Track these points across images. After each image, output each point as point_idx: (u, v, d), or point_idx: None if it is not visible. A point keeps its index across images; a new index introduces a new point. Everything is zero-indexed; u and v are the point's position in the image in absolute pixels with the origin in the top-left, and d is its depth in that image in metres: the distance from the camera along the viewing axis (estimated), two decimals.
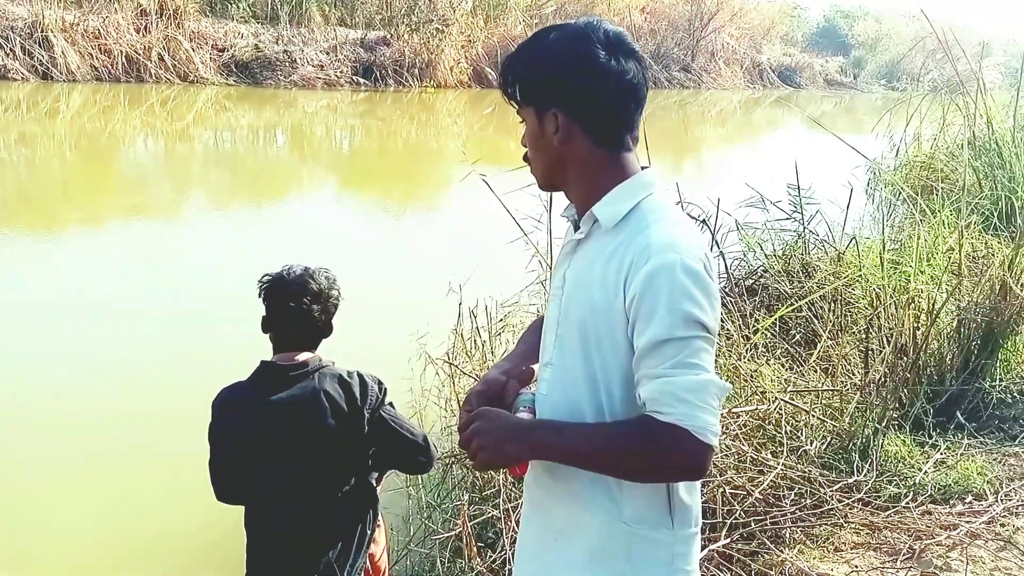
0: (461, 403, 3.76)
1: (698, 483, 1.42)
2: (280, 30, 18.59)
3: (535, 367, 1.53)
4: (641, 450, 1.25)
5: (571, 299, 1.38)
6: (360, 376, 2.10)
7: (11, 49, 14.68)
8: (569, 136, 1.35)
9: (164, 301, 5.80)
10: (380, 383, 2.14)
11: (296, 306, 2.06)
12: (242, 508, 2.15)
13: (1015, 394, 4.10)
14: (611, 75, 1.33)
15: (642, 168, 1.41)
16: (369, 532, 2.21)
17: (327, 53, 18.91)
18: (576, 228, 1.42)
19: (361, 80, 18.87)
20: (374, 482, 2.28)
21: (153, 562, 3.29)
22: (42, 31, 14.93)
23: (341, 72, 18.74)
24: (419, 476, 3.63)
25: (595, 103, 1.34)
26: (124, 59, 15.92)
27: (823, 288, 4.57)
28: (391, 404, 2.17)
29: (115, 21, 15.85)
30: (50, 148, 11.31)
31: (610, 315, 1.30)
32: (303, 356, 2.08)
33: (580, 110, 1.34)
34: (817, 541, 2.92)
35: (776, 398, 3.49)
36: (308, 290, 2.07)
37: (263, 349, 2.17)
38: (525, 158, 1.45)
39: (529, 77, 1.37)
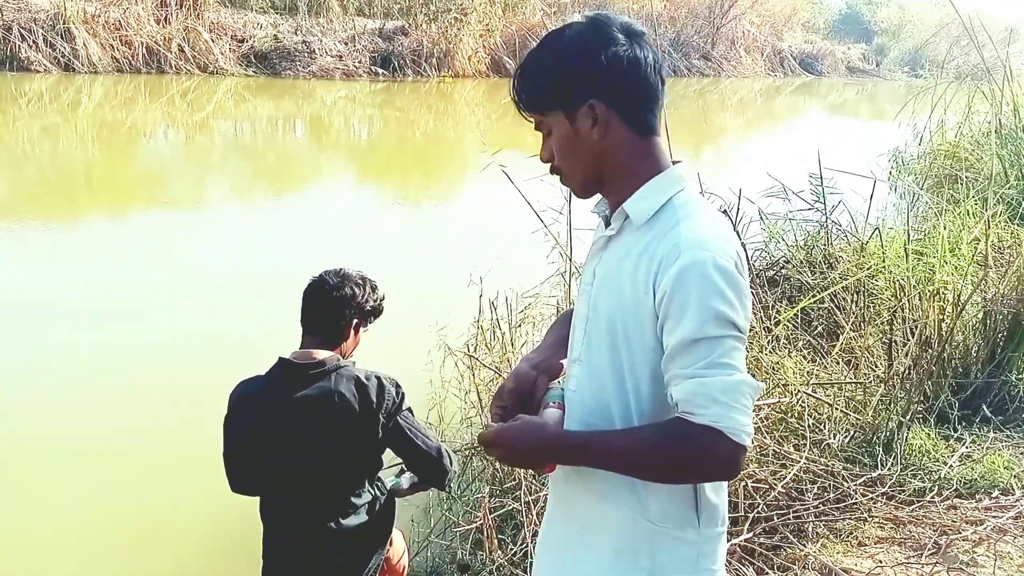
0: (486, 396, 3.78)
1: (725, 482, 1.41)
2: (299, 20, 18.63)
3: (564, 361, 1.52)
4: (675, 454, 1.24)
5: (600, 295, 1.37)
6: (378, 379, 2.08)
7: (33, 41, 14.82)
8: (608, 126, 1.32)
9: (184, 291, 5.84)
10: (398, 387, 2.12)
11: (321, 293, 2.09)
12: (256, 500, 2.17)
13: None
14: (638, 58, 1.32)
15: (673, 163, 1.39)
16: (384, 535, 2.21)
17: (345, 43, 18.93)
18: (607, 224, 1.41)
19: (379, 70, 18.89)
20: (404, 483, 2.29)
21: (165, 552, 3.33)
22: (64, 23, 15.06)
23: (359, 62, 18.75)
24: None
25: (629, 86, 1.33)
26: (145, 50, 16.04)
27: (846, 279, 4.53)
28: (410, 410, 2.15)
29: (135, 12, 15.96)
30: (72, 139, 11.42)
31: (639, 312, 1.29)
32: (321, 354, 2.06)
33: (617, 96, 1.32)
34: (840, 535, 2.90)
35: (798, 391, 3.47)
36: (342, 280, 2.10)
37: (283, 340, 2.18)
38: (554, 171, 1.41)
39: (557, 75, 1.33)
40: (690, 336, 1.21)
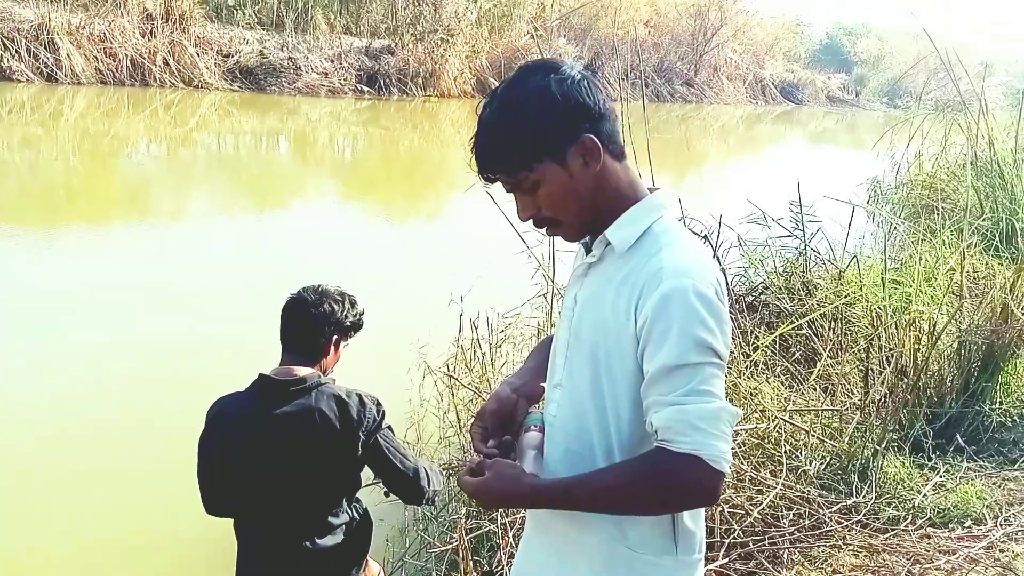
0: (465, 416, 3.77)
1: (703, 509, 1.42)
2: (285, 37, 18.67)
3: (544, 385, 1.53)
4: (657, 485, 1.25)
5: (582, 321, 1.38)
6: (359, 396, 2.07)
7: (16, 51, 14.73)
8: (600, 157, 1.33)
9: (164, 306, 5.79)
10: (379, 404, 2.11)
11: (301, 310, 2.07)
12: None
13: (1015, 418, 4.08)
14: (599, 86, 1.35)
15: (649, 190, 1.41)
16: (360, 555, 2.19)
17: (331, 61, 18.97)
18: (588, 250, 1.42)
19: (365, 88, 18.93)
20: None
21: (148, 565, 3.28)
22: (48, 33, 14.98)
23: (345, 80, 18.79)
24: None
25: (603, 114, 1.34)
26: (129, 63, 15.98)
27: (824, 306, 4.57)
28: (390, 428, 2.13)
29: (121, 25, 15.91)
30: (53, 150, 11.33)
31: (621, 339, 1.30)
32: (302, 371, 2.05)
33: (600, 127, 1.33)
34: (815, 563, 2.91)
35: (775, 417, 3.49)
36: (321, 297, 2.09)
37: (264, 357, 2.16)
38: (543, 223, 1.38)
39: (538, 126, 1.30)
40: (671, 363, 1.22)
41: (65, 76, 15.04)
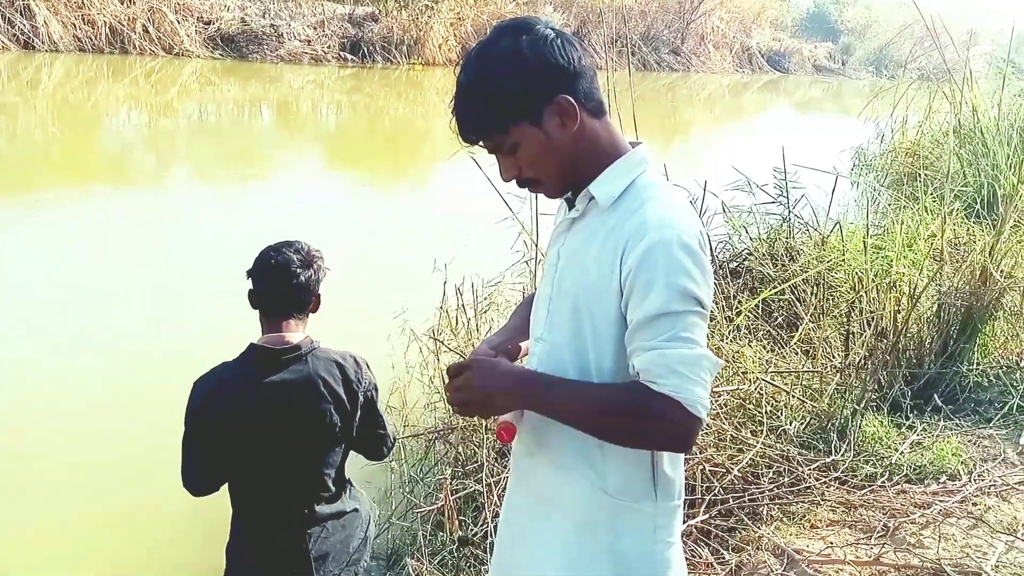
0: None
1: (681, 457, 1.44)
2: (267, 3, 18.38)
3: (524, 344, 1.55)
4: (631, 414, 1.26)
5: (564, 275, 1.40)
6: (353, 358, 2.09)
7: None
8: (576, 116, 1.33)
9: (145, 276, 5.77)
10: (368, 364, 2.13)
11: (284, 268, 2.01)
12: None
13: (991, 378, 4.16)
14: (573, 43, 1.35)
15: (631, 144, 1.42)
16: (362, 540, 2.17)
17: (314, 28, 18.72)
18: (571, 206, 1.43)
19: (348, 56, 18.71)
20: None
21: (142, 540, 3.30)
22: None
23: (328, 47, 18.56)
24: (404, 451, 3.66)
25: (579, 72, 1.34)
26: (108, 30, 15.71)
27: (806, 272, 4.61)
28: (375, 388, 2.16)
29: None
30: (31, 119, 11.16)
31: (604, 292, 1.32)
32: (295, 338, 2.03)
33: (576, 86, 1.34)
34: (794, 518, 2.97)
35: (757, 379, 3.53)
36: (295, 253, 2.04)
37: (249, 327, 2.13)
38: (524, 183, 1.40)
39: (512, 89, 1.31)
40: (654, 311, 1.24)
41: (42, 43, 14.78)
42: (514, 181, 1.40)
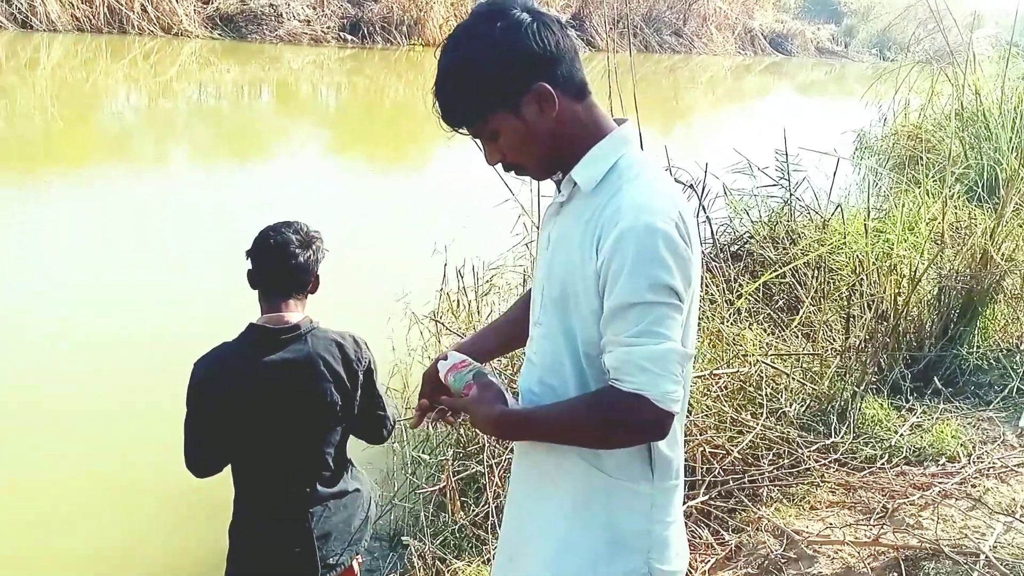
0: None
1: (680, 438, 1.45)
2: None
3: (499, 343, 1.71)
4: (604, 420, 1.30)
5: (554, 260, 1.40)
6: (352, 338, 2.10)
7: None
8: (553, 103, 1.32)
9: (144, 256, 5.77)
10: (367, 344, 2.14)
11: (283, 248, 2.01)
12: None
13: (991, 361, 4.16)
14: (549, 26, 1.33)
15: (616, 121, 1.40)
16: (363, 520, 2.19)
17: (314, 8, 18.58)
18: (560, 189, 1.43)
19: (348, 36, 18.59)
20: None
21: (141, 511, 3.33)
22: None
23: (328, 28, 18.44)
24: (404, 432, 3.68)
25: (557, 56, 1.32)
26: (106, 9, 15.60)
27: (807, 255, 4.61)
28: (374, 367, 2.16)
29: None
30: (30, 99, 11.11)
31: (586, 277, 1.31)
32: (294, 318, 2.03)
33: (551, 71, 1.32)
34: (793, 500, 2.99)
35: (758, 361, 3.54)
36: (294, 233, 2.05)
37: (249, 308, 2.13)
38: (509, 168, 1.41)
39: (488, 78, 1.30)
40: (624, 301, 1.24)
41: (40, 23, 14.68)
42: (500, 165, 1.41)
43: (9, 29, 14.37)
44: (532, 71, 1.30)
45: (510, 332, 1.69)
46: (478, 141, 1.41)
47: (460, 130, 1.39)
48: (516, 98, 1.31)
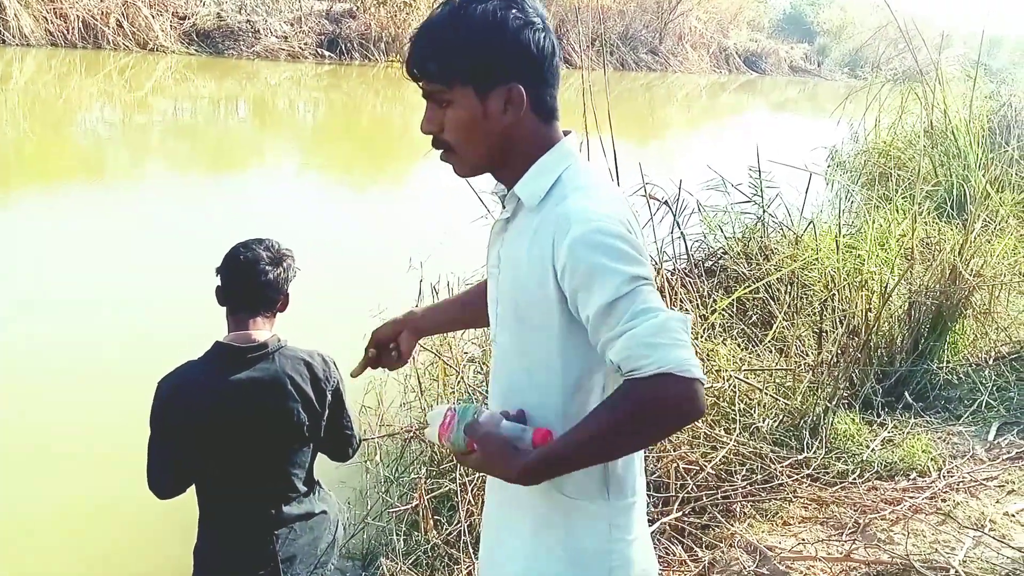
0: (426, 380, 3.77)
1: (637, 456, 1.42)
2: None
3: (442, 320, 1.77)
4: (641, 416, 1.21)
5: (505, 278, 1.38)
6: (321, 356, 2.09)
7: None
8: (521, 110, 1.30)
9: (115, 273, 5.69)
10: (335, 363, 2.13)
11: (253, 264, 2.00)
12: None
13: (960, 375, 4.21)
14: (553, 43, 1.32)
15: (564, 133, 1.39)
16: (336, 525, 2.18)
17: (291, 24, 18.58)
18: (503, 205, 1.41)
19: (326, 53, 18.59)
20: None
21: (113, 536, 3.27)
22: None
23: (305, 44, 18.43)
24: (378, 450, 3.65)
25: (545, 72, 1.32)
26: (80, 24, 15.49)
27: (780, 270, 4.65)
28: (342, 386, 2.15)
29: None
30: (2, 114, 10.98)
31: (540, 292, 1.30)
32: (261, 336, 2.01)
33: (533, 81, 1.31)
34: (766, 515, 2.99)
35: (731, 376, 3.56)
36: (264, 250, 2.03)
37: (216, 325, 2.11)
38: (439, 145, 1.35)
39: (478, 51, 1.27)
40: (606, 300, 1.22)
41: (13, 37, 14.54)
42: (431, 137, 1.35)
43: None
44: (518, 69, 1.29)
45: (473, 312, 1.69)
46: (427, 101, 1.34)
47: (419, 82, 1.33)
48: (491, 84, 1.28)
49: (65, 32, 15.36)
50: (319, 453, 2.17)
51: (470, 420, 1.32)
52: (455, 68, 1.28)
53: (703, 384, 1.20)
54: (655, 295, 1.25)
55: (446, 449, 1.40)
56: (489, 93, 1.29)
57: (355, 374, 1.74)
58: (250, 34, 17.73)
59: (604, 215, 1.26)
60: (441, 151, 1.36)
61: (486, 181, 1.45)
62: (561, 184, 1.33)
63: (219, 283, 2.06)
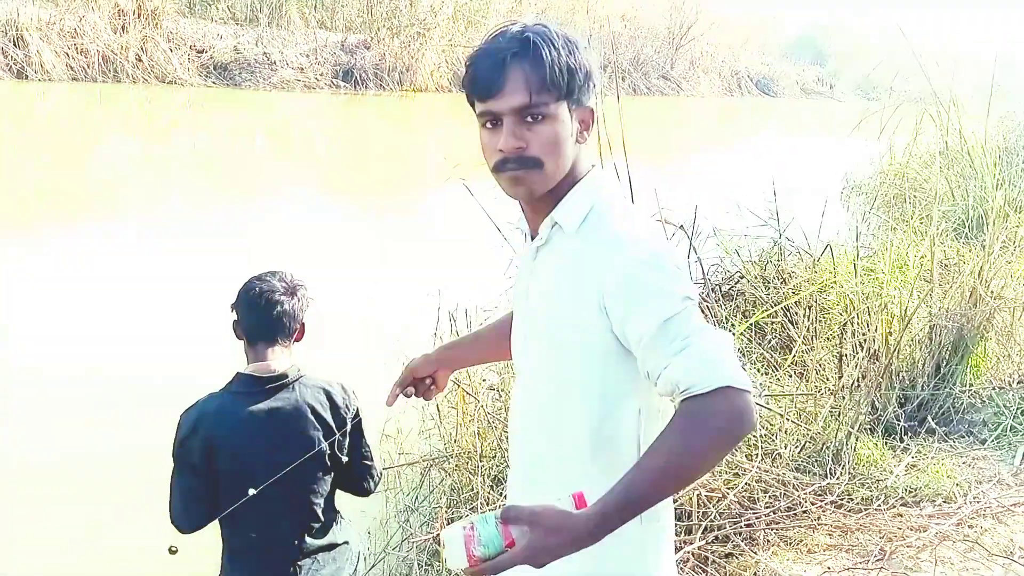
0: (445, 408, 3.77)
1: None
2: (260, 32, 18.50)
3: (473, 353, 1.82)
4: (709, 434, 1.19)
5: (538, 310, 1.39)
6: (340, 386, 2.11)
7: None
8: (590, 132, 1.36)
9: (135, 305, 5.74)
10: (355, 392, 2.14)
11: (268, 295, 2.02)
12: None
13: (984, 399, 4.17)
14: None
15: (592, 166, 1.43)
16: (357, 557, 2.17)
17: (307, 56, 18.83)
18: (531, 237, 1.43)
19: (341, 83, 18.82)
20: None
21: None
22: (17, 29, 14.75)
23: (321, 75, 18.67)
24: (399, 479, 3.64)
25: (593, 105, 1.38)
26: (101, 59, 15.77)
27: (798, 294, 4.63)
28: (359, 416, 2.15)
29: (92, 20, 15.71)
30: (24, 148, 11.17)
31: (581, 314, 1.31)
32: (281, 365, 2.03)
33: (592, 108, 1.37)
34: (790, 543, 2.96)
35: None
36: (279, 281, 2.06)
37: (236, 358, 2.12)
38: (521, 164, 1.30)
39: (579, 70, 1.31)
40: (660, 321, 1.24)
41: (35, 72, 14.82)
42: (506, 158, 1.30)
43: (5, 79, 14.50)
44: (593, 92, 1.34)
45: (495, 345, 1.73)
46: (502, 121, 1.29)
47: (511, 93, 1.27)
48: (581, 103, 1.33)
49: (86, 67, 15.64)
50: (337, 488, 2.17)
51: (495, 518, 1.19)
52: (561, 82, 1.30)
53: (751, 395, 1.21)
54: (700, 315, 1.28)
55: (476, 568, 1.19)
56: (576, 112, 1.34)
57: (390, 403, 1.79)
58: (266, 66, 17.98)
59: (650, 239, 1.30)
60: (509, 171, 1.32)
61: (503, 208, 1.47)
62: (596, 213, 1.35)
63: (235, 318, 2.08)
